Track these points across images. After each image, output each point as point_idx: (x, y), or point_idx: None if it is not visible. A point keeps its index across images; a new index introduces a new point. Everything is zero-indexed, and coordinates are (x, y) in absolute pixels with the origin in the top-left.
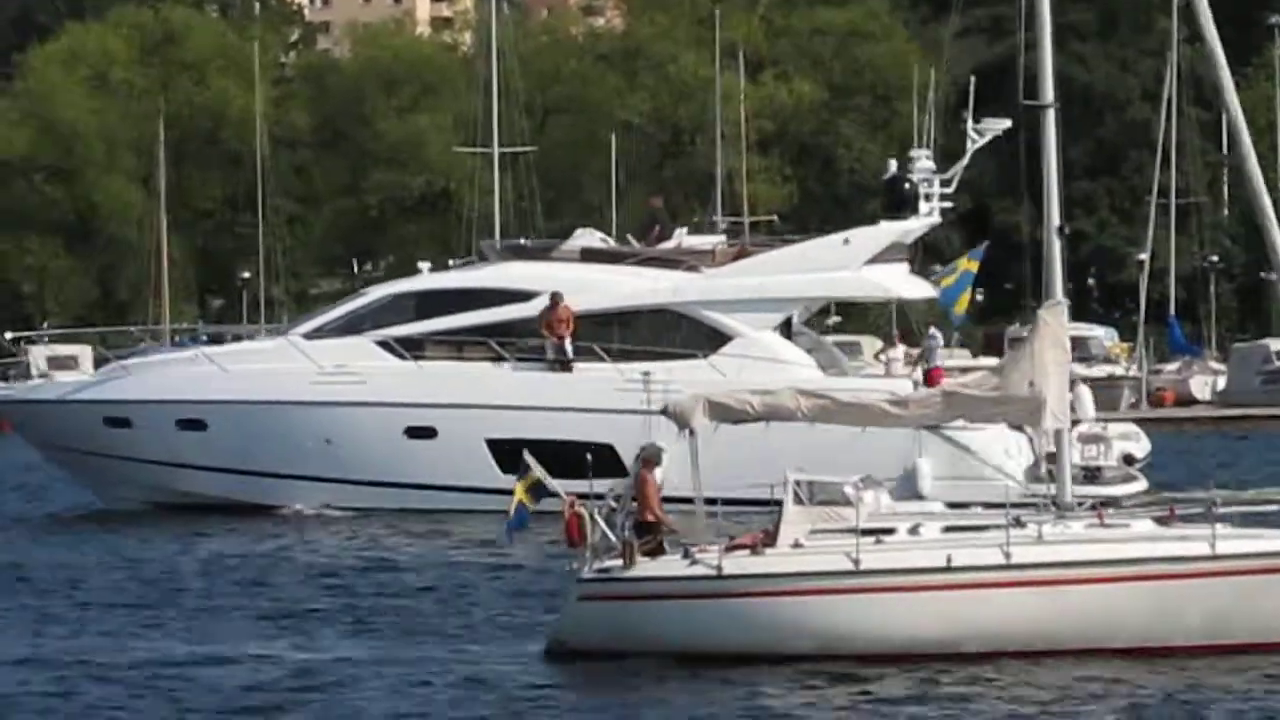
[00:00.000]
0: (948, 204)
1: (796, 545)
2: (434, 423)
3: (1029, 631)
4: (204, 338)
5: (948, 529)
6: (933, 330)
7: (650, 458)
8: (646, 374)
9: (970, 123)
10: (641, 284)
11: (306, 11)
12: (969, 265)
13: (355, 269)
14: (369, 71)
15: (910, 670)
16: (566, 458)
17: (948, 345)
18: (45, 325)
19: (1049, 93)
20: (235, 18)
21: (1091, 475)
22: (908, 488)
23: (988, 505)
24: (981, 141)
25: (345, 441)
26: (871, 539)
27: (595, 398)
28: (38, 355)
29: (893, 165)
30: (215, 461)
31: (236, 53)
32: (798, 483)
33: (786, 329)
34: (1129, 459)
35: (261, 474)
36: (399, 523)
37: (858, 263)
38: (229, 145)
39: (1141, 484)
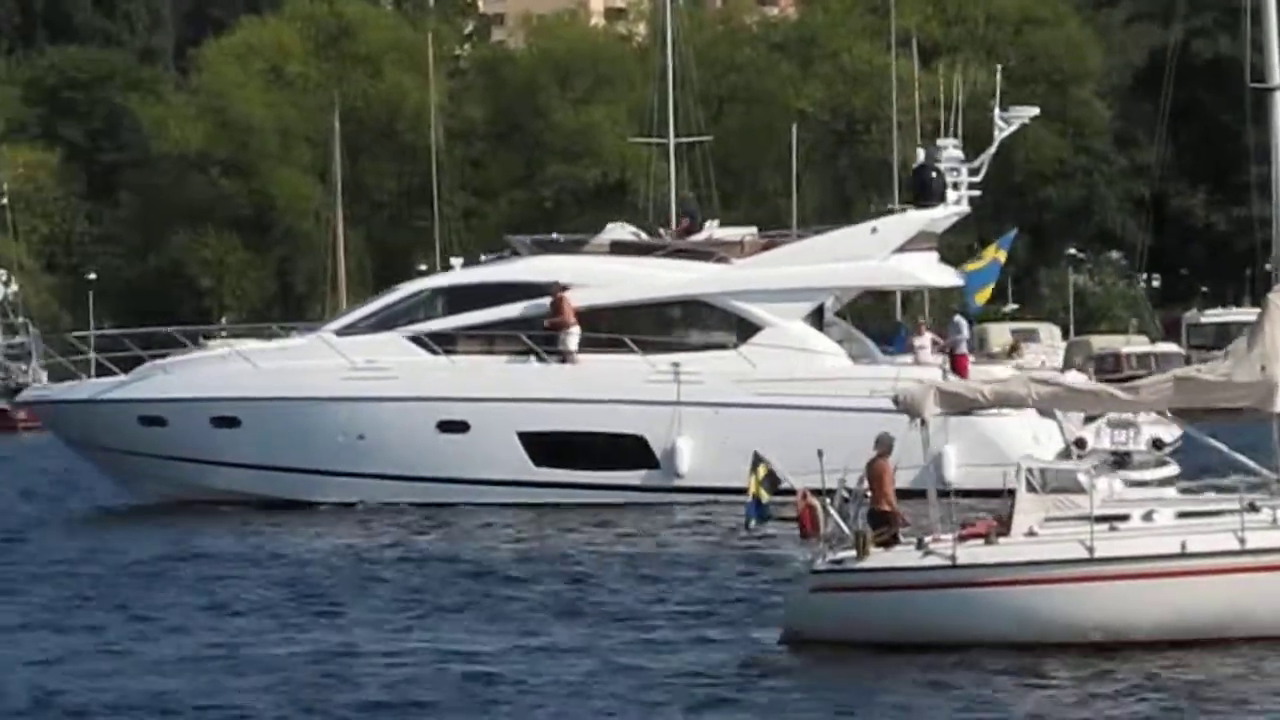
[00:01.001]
0: (975, 192)
1: (1030, 534)
2: (466, 417)
3: (1265, 617)
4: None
5: (1181, 515)
6: (958, 318)
7: (886, 447)
8: (676, 365)
9: (998, 111)
10: (671, 276)
11: (481, 3)
12: (997, 254)
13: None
14: (543, 63)
15: (1143, 658)
16: (598, 449)
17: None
18: (223, 319)
19: (1277, 74)
20: (409, 10)
21: (1121, 460)
22: (934, 475)
23: (1220, 490)
24: (1009, 130)
25: (378, 437)
26: (1105, 526)
27: (626, 389)
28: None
29: (921, 154)
30: (249, 458)
31: (411, 45)
32: (1030, 470)
33: (818, 319)
34: (1158, 443)
35: (295, 470)
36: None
37: (885, 251)
38: (404, 138)
39: (1173, 469)
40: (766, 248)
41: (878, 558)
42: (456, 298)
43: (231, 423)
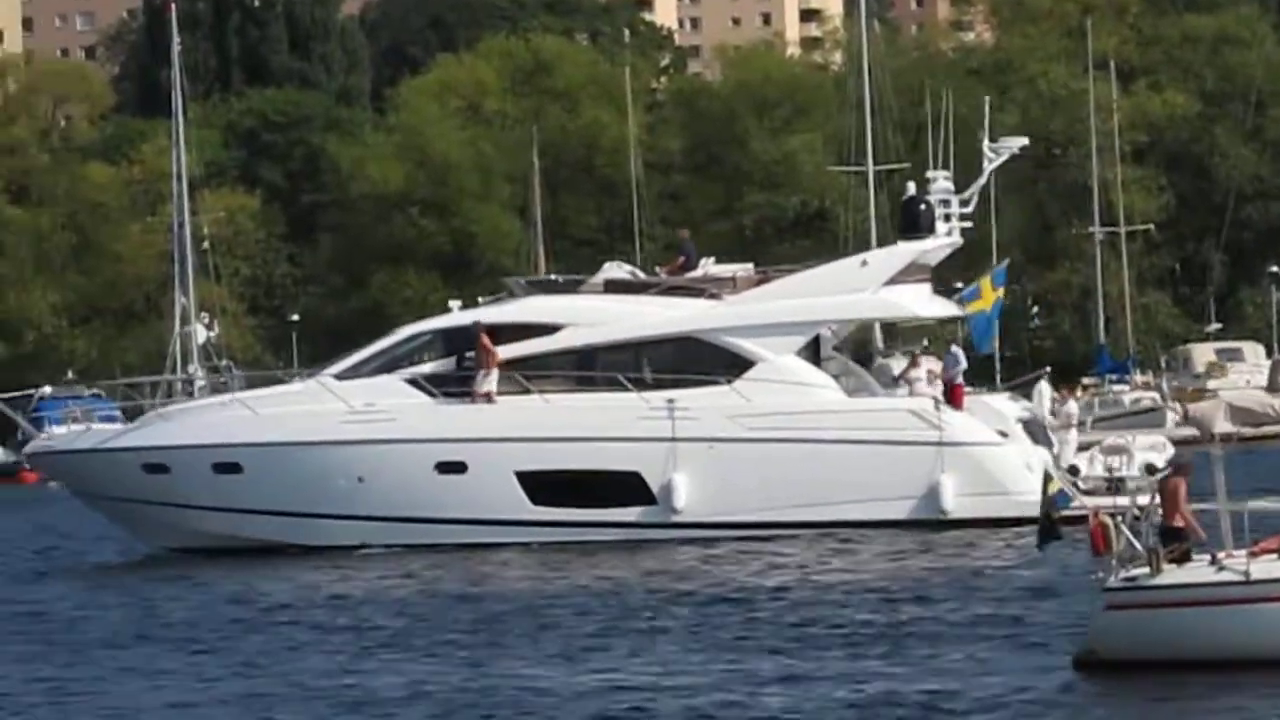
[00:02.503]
0: (967, 224)
1: None
2: (463, 458)
3: None
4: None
5: None
6: (954, 349)
7: (1181, 466)
8: (671, 401)
9: (986, 142)
10: (664, 313)
11: (676, 36)
12: (995, 293)
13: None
14: (740, 94)
15: None
16: (595, 487)
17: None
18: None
19: None
20: (605, 45)
21: (1115, 486)
22: (930, 505)
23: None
24: (999, 160)
25: (377, 479)
26: None
27: (621, 427)
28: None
29: (911, 187)
30: (252, 504)
31: (608, 79)
32: None
33: (815, 352)
34: (1150, 469)
35: (297, 514)
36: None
37: (876, 284)
38: (603, 172)
39: None
40: (760, 283)
41: (1171, 574)
42: (453, 340)
43: (233, 469)
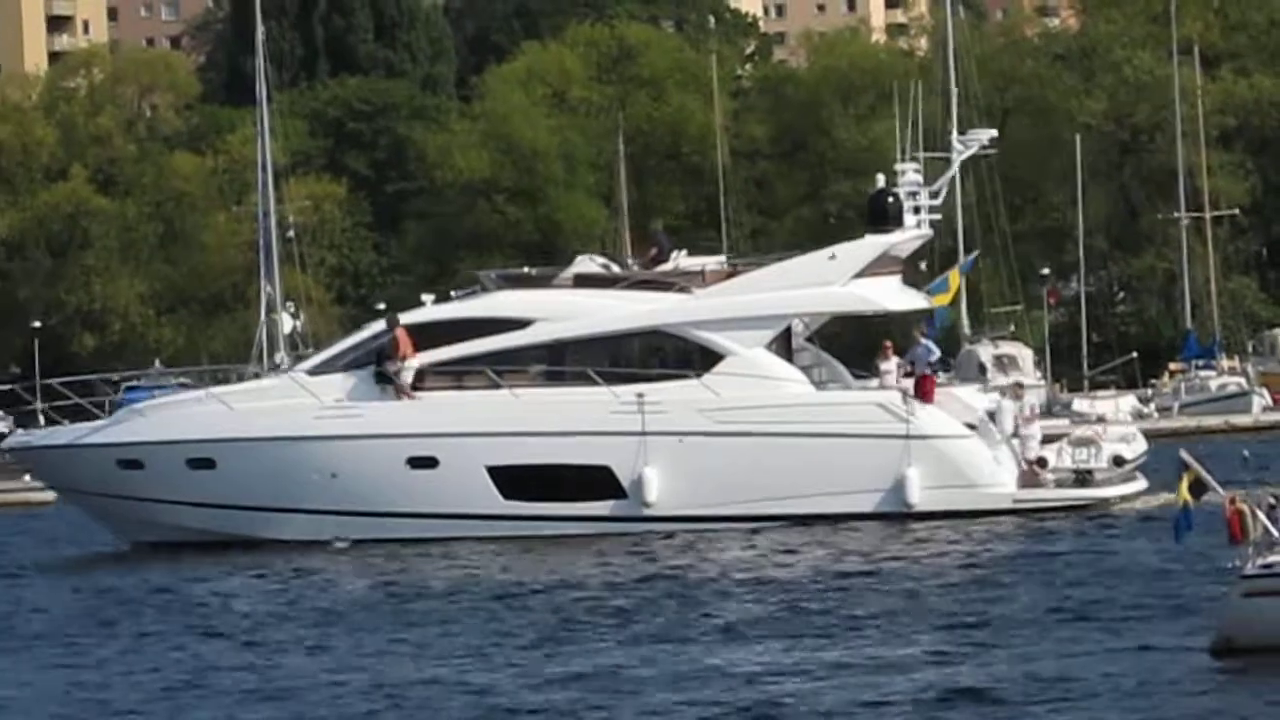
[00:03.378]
0: (936, 216)
1: None
2: (434, 452)
3: None
4: None
5: None
6: (924, 341)
7: None
8: (640, 396)
9: (955, 134)
10: (633, 307)
11: (762, 23)
12: (955, 281)
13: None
14: (826, 80)
15: None
16: (566, 481)
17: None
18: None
19: None
20: (691, 32)
21: (1083, 478)
22: (897, 498)
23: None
24: (967, 153)
25: (349, 474)
26: None
27: (591, 421)
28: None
29: (880, 179)
30: (225, 499)
31: (693, 66)
32: None
33: (786, 345)
34: (1118, 460)
35: (270, 509)
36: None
37: (845, 277)
38: (689, 159)
39: (1141, 484)
40: (729, 276)
41: None
42: (424, 335)
43: (207, 464)
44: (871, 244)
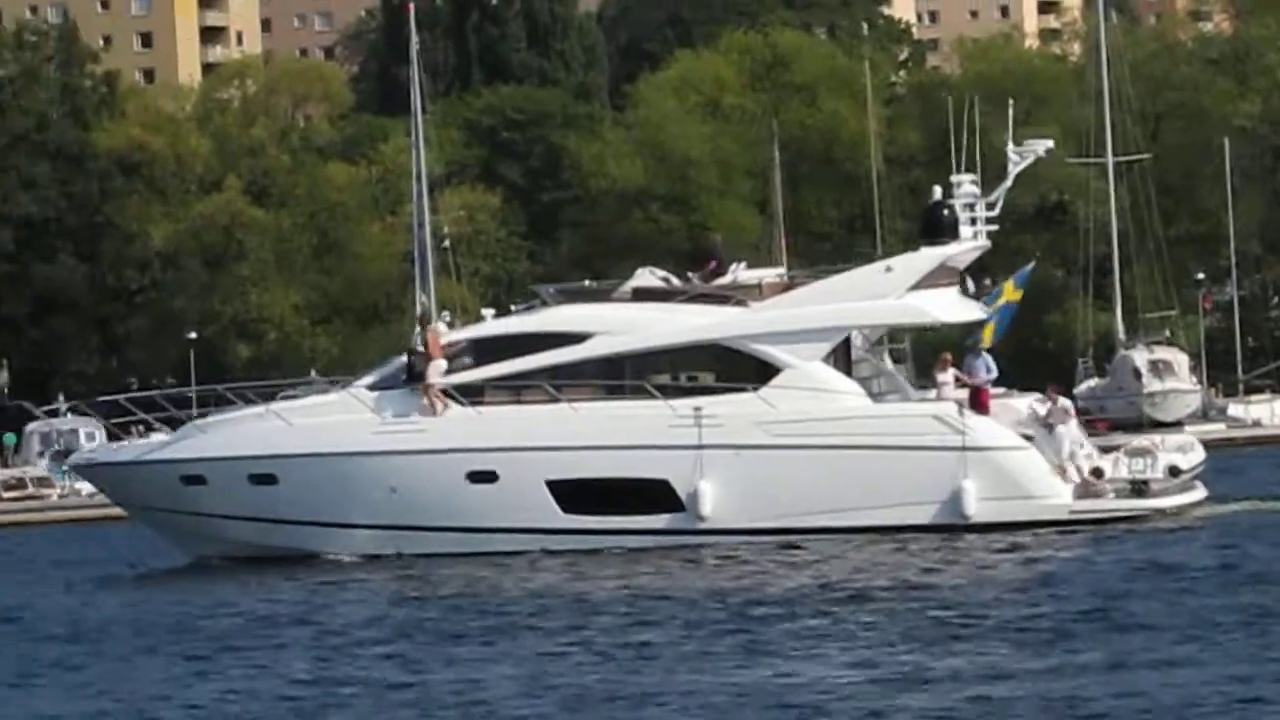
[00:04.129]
0: (993, 227)
1: None
2: (494, 466)
3: None
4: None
5: None
6: (980, 352)
7: None
8: (698, 409)
9: (1010, 145)
10: (690, 321)
11: (915, 30)
12: (1012, 295)
13: (973, 286)
14: (979, 86)
15: None
16: (624, 494)
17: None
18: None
19: None
20: (844, 38)
21: (1139, 489)
22: (953, 510)
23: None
24: (1024, 164)
25: (409, 489)
26: None
27: (649, 434)
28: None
29: (937, 191)
30: (287, 514)
31: (847, 73)
32: None
33: (846, 356)
34: (1174, 470)
35: (330, 524)
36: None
37: (900, 289)
38: (843, 166)
39: (1200, 493)
40: (787, 289)
41: None
42: (484, 349)
43: (268, 479)
44: (927, 256)
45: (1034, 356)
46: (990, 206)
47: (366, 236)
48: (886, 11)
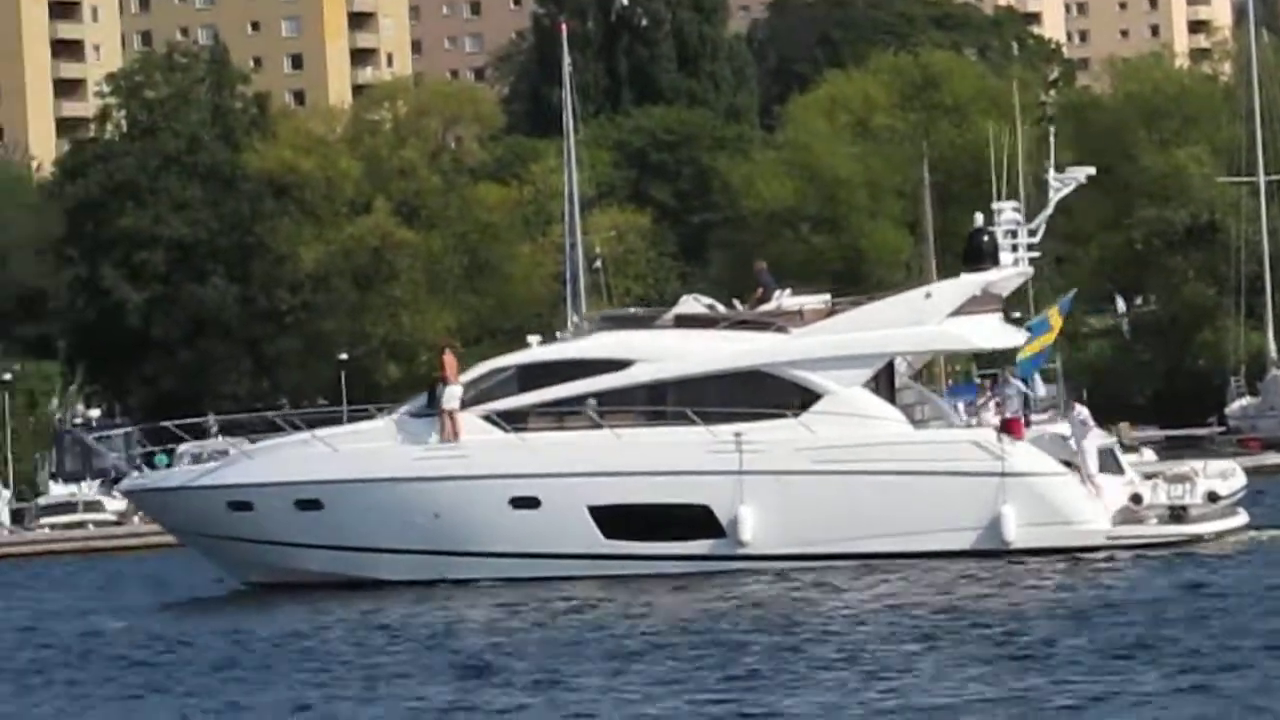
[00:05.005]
0: (1035, 254)
1: None
2: (537, 492)
3: None
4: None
5: None
6: (1009, 379)
7: None
8: (738, 435)
9: (1052, 172)
10: (731, 347)
11: (1065, 49)
12: (1056, 322)
13: (1123, 305)
14: (1130, 106)
15: None
16: (666, 520)
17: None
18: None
19: None
20: (994, 59)
21: (1178, 514)
22: (993, 536)
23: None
24: (1065, 190)
25: (453, 515)
26: None
27: (690, 460)
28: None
29: (979, 218)
30: (332, 540)
31: (996, 93)
32: None
33: (890, 382)
34: (1212, 496)
35: (375, 550)
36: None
37: (940, 316)
38: (993, 186)
39: (1242, 518)
40: (829, 315)
41: None
42: (527, 376)
43: (314, 505)
44: (968, 282)
45: (1185, 376)
46: (1032, 233)
47: (517, 257)
48: (1036, 31)
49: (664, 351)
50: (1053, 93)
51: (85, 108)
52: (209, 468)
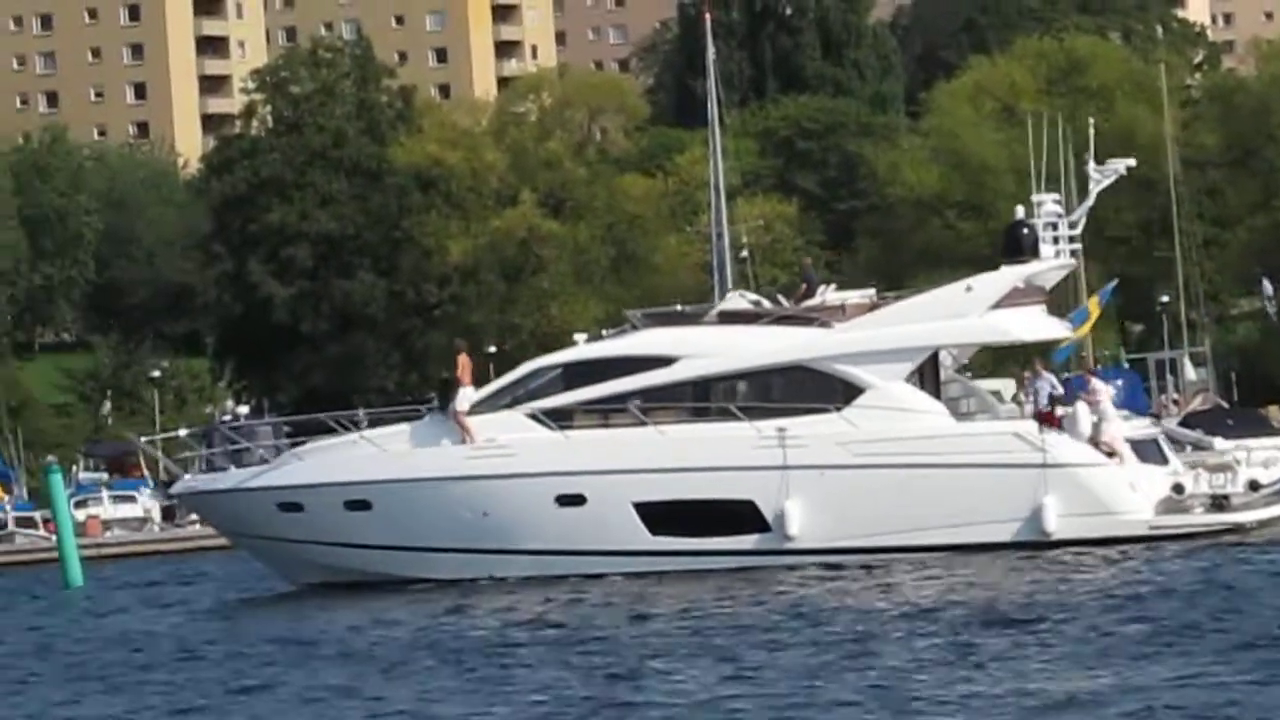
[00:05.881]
0: (1076, 245)
1: None
2: (582, 490)
3: None
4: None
5: None
6: (1042, 371)
7: None
8: (782, 430)
9: (1092, 164)
10: (775, 343)
11: (1210, 31)
12: (1095, 310)
13: (1270, 287)
14: (1275, 88)
15: None
16: (711, 516)
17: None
18: (967, 360)
19: None
20: (1138, 42)
21: (1219, 503)
22: (1034, 527)
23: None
24: (1105, 183)
25: (500, 513)
26: None
27: (734, 456)
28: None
29: (1019, 210)
30: (381, 539)
31: (1142, 77)
32: None
33: (934, 376)
34: (1254, 485)
35: (425, 549)
36: None
37: (981, 308)
38: (1139, 170)
39: None
40: (871, 309)
41: None
42: (573, 374)
43: (363, 505)
44: (1007, 275)
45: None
46: (1072, 225)
47: (664, 248)
48: (1181, 14)
49: (708, 348)
50: (1198, 76)
51: (230, 104)
52: (259, 469)
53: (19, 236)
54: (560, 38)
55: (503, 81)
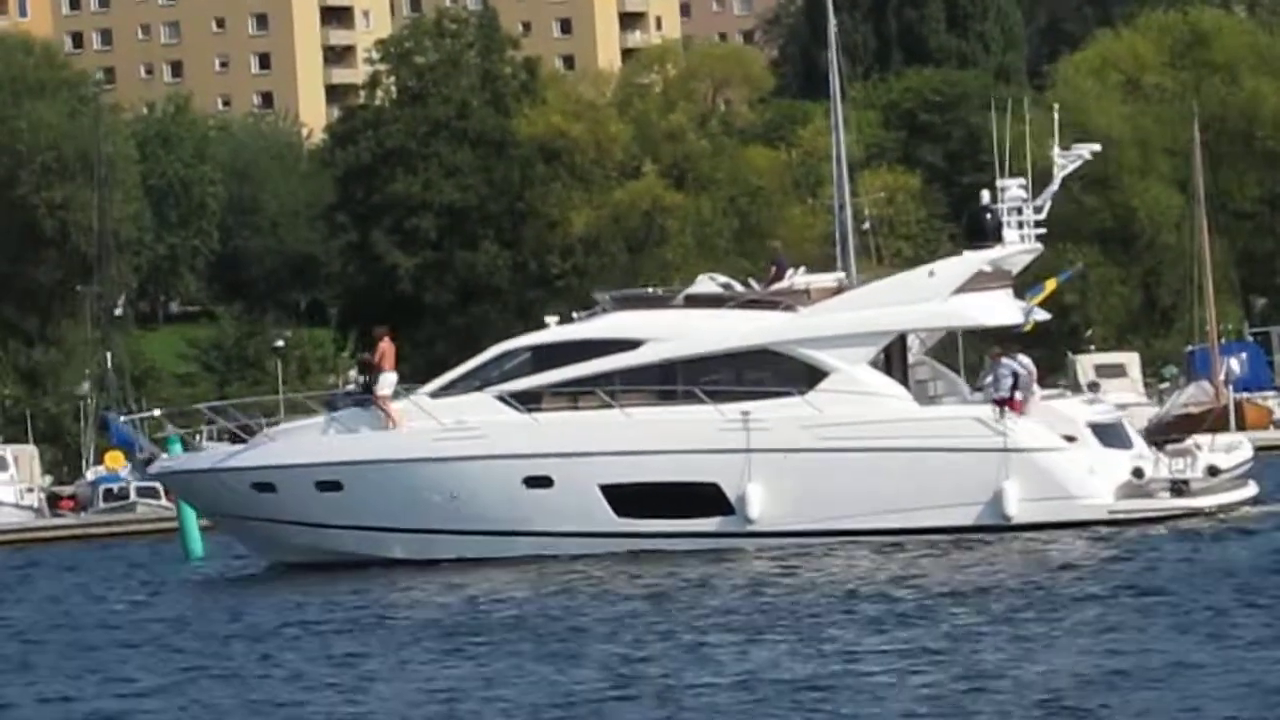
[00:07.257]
0: (1041, 230)
1: None
2: (549, 472)
3: None
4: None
5: None
6: (1003, 359)
7: None
8: (746, 413)
9: (1056, 149)
10: (740, 326)
11: None
12: (1049, 286)
13: None
14: None
15: None
16: (676, 498)
17: None
18: (1089, 334)
19: None
20: (1264, 15)
21: (1179, 488)
22: (995, 511)
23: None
24: (1069, 168)
25: (468, 495)
26: None
27: (699, 439)
28: (1085, 364)
29: (985, 195)
30: (352, 520)
31: (1267, 50)
32: None
33: (902, 359)
34: (1213, 470)
35: (394, 530)
36: None
37: (945, 293)
38: (1265, 145)
39: (1251, 490)
40: (835, 294)
41: None
42: (542, 356)
43: (334, 486)
44: (971, 260)
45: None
46: (1037, 210)
47: (787, 220)
48: None
49: (673, 331)
50: None
51: (355, 74)
52: (234, 449)
53: (144, 206)
54: (685, 9)
55: (627, 53)
